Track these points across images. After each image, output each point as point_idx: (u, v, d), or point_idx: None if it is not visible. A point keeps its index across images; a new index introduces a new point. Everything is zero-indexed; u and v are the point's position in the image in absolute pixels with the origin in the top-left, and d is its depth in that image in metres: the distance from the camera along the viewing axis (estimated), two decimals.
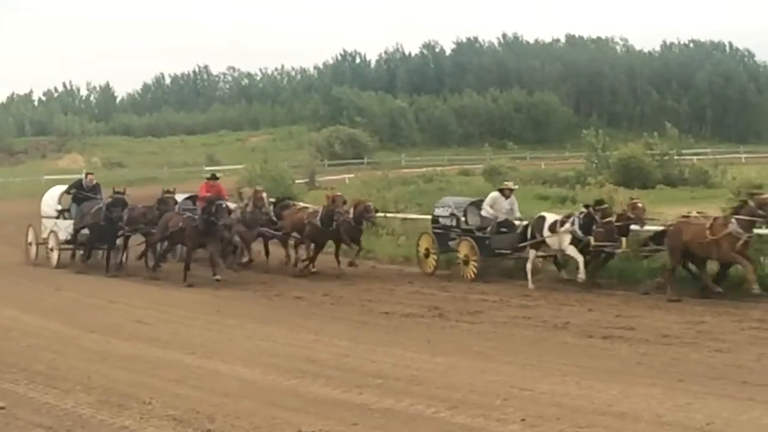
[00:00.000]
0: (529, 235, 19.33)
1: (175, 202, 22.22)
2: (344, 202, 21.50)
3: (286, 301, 17.74)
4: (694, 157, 56.71)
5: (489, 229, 20.17)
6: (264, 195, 21.95)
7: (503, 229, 20.19)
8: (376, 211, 22.02)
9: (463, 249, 20.16)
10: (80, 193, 23.94)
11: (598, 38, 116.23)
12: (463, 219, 20.75)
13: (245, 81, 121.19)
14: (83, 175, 25.14)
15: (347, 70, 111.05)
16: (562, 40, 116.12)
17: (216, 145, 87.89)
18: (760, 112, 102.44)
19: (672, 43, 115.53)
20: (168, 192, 22.47)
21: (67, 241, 23.80)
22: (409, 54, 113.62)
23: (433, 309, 16.10)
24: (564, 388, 10.28)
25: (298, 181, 44.94)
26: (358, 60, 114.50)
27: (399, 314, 15.82)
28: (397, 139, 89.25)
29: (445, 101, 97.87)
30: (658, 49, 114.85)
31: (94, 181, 24.52)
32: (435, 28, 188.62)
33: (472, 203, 21.35)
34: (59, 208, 24.65)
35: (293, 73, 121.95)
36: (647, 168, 47.99)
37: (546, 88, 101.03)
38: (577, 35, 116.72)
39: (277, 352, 12.66)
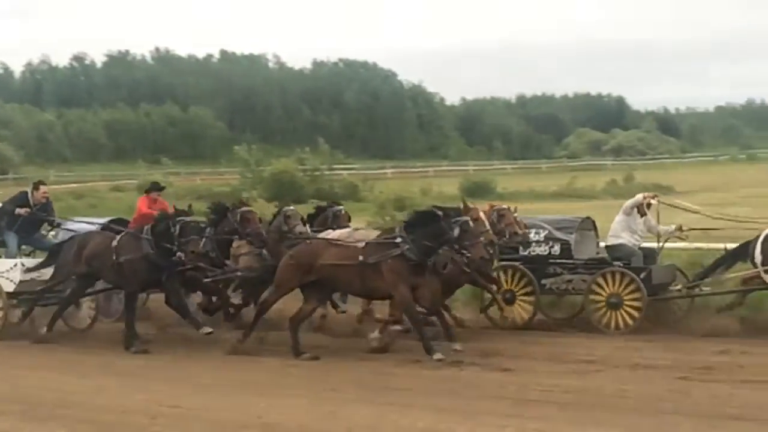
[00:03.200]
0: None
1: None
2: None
3: None
4: (345, 172, 58.76)
5: (634, 258, 14.77)
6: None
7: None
8: (526, 227, 15.22)
9: (608, 286, 14.46)
10: (35, 215, 15.76)
11: (251, 54, 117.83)
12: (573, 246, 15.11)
13: None
14: (29, 188, 16.35)
15: None
16: (216, 55, 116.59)
17: None
18: (403, 129, 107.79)
19: (322, 61, 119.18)
20: (183, 212, 14.25)
21: (17, 294, 15.28)
22: (57, 66, 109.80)
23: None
24: (213, 402, 10.33)
25: None
26: (1, 71, 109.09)
27: None
28: (45, 153, 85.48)
29: (96, 115, 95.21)
30: (309, 66, 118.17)
31: (47, 197, 16.24)
32: (85, 41, 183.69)
33: (582, 224, 15.69)
34: None
35: None
36: (300, 183, 49.22)
37: (200, 103, 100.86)
38: (230, 51, 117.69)
39: None
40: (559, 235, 15.21)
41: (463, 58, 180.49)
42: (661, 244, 15.02)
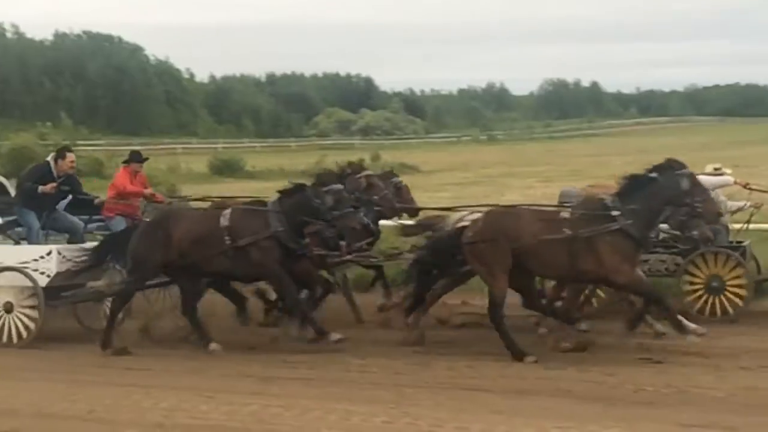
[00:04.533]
0: None
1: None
2: None
3: None
4: (90, 148, 56.93)
5: (719, 235, 12.98)
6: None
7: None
8: None
9: (709, 268, 12.87)
10: (61, 191, 12.85)
11: None
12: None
13: None
14: (51, 156, 13.36)
15: None
16: None
17: None
18: (151, 105, 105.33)
19: (65, 33, 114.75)
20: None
21: (53, 290, 12.26)
22: None
23: None
24: None
25: None
26: None
27: None
28: None
29: None
30: (50, 38, 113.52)
31: (75, 167, 13.42)
32: None
33: None
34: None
35: None
36: (41, 159, 47.07)
37: None
38: None
39: None
40: None
41: (211, 34, 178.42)
42: (746, 226, 13.71)
